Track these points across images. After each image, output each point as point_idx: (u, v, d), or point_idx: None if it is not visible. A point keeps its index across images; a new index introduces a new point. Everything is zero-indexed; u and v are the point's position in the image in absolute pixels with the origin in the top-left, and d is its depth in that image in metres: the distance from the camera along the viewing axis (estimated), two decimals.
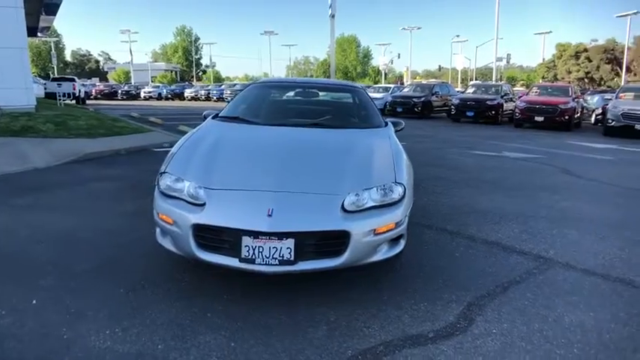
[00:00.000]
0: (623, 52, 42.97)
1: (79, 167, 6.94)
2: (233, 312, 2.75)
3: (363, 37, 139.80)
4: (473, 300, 3.00)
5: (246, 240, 2.64)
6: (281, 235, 2.64)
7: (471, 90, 21.78)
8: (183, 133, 12.70)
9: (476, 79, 52.45)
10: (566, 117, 16.26)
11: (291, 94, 5.24)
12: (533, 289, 3.19)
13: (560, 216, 5.05)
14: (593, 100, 21.55)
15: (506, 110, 19.17)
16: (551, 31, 52.78)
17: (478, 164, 8.52)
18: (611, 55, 51.08)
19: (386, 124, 4.36)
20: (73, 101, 25.81)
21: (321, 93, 5.14)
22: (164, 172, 3.11)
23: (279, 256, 2.65)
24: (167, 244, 3.00)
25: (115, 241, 3.85)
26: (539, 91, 18.56)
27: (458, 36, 64.39)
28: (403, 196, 3.03)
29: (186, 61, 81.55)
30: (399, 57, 79.37)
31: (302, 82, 5.20)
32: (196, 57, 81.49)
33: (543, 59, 62.42)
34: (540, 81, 55.35)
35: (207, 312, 2.74)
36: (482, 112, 18.76)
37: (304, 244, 2.69)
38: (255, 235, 2.64)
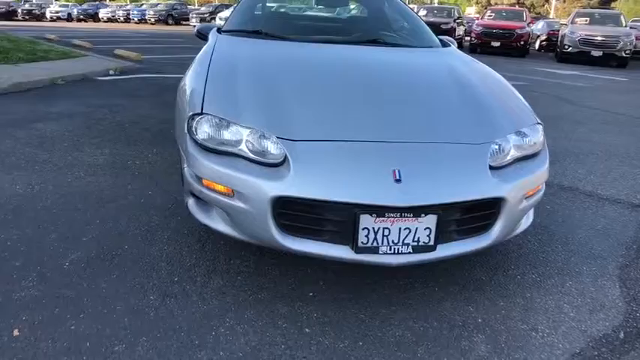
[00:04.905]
0: None
1: (11, 103, 5.31)
2: (330, 318, 1.87)
3: None
4: (617, 272, 2.34)
5: (366, 220, 1.71)
6: (418, 211, 1.73)
7: (422, 13, 20.81)
8: (124, 57, 10.94)
9: (409, 2, 51.16)
10: (522, 42, 15.93)
11: (312, 1, 4.09)
12: None
13: (607, 151, 4.52)
14: (537, 26, 21.53)
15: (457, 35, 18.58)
16: None
17: None
18: None
19: (442, 42, 3.42)
20: None
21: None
22: (201, 114, 2.00)
23: (414, 241, 1.77)
24: (216, 223, 1.98)
25: (102, 213, 2.70)
26: (494, 15, 17.98)
27: None
28: (544, 143, 2.21)
29: None
30: None
31: None
32: None
33: None
34: (473, 6, 55.12)
35: (301, 326, 1.83)
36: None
37: (446, 221, 1.81)
38: (380, 211, 1.71)
